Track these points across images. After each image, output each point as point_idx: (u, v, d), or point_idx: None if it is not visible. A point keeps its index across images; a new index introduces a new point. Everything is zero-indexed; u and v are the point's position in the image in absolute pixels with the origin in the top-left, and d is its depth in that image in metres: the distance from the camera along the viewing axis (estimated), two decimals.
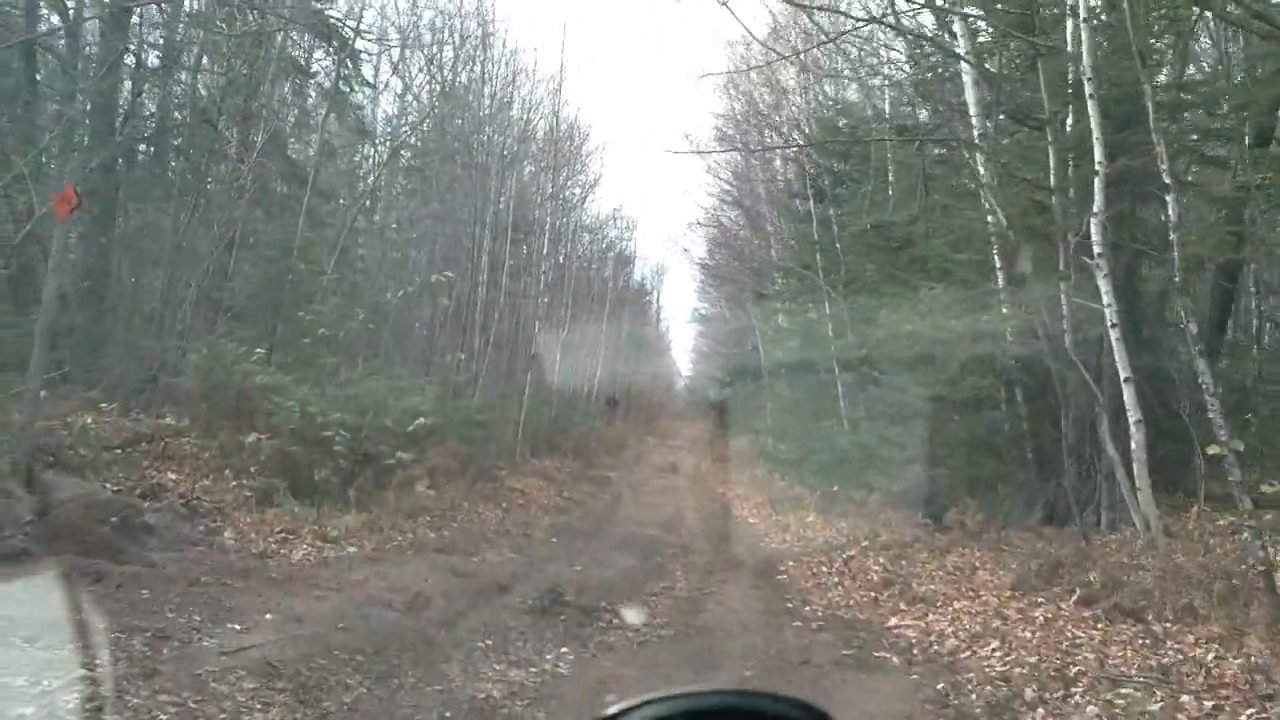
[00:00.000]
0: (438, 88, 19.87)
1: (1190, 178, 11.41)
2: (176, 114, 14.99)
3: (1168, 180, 7.12)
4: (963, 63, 12.29)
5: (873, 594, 8.44)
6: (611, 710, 1.33)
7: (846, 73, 18.07)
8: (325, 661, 5.29)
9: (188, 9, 14.89)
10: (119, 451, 9.42)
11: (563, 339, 24.35)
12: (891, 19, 13.03)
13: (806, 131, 19.29)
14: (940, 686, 5.52)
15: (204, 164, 13.95)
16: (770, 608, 8.26)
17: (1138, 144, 9.91)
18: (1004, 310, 11.29)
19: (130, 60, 14.16)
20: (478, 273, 18.76)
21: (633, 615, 7.48)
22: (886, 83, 17.05)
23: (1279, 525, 7.35)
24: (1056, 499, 10.36)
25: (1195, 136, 11.33)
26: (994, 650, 6.11)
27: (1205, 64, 13.53)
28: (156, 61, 14.90)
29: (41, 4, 13.75)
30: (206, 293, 12.73)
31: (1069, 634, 6.22)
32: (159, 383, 11.54)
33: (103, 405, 10.60)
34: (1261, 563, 6.09)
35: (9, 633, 4.61)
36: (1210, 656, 5.38)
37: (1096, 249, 8.69)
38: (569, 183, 26.15)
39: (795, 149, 19.77)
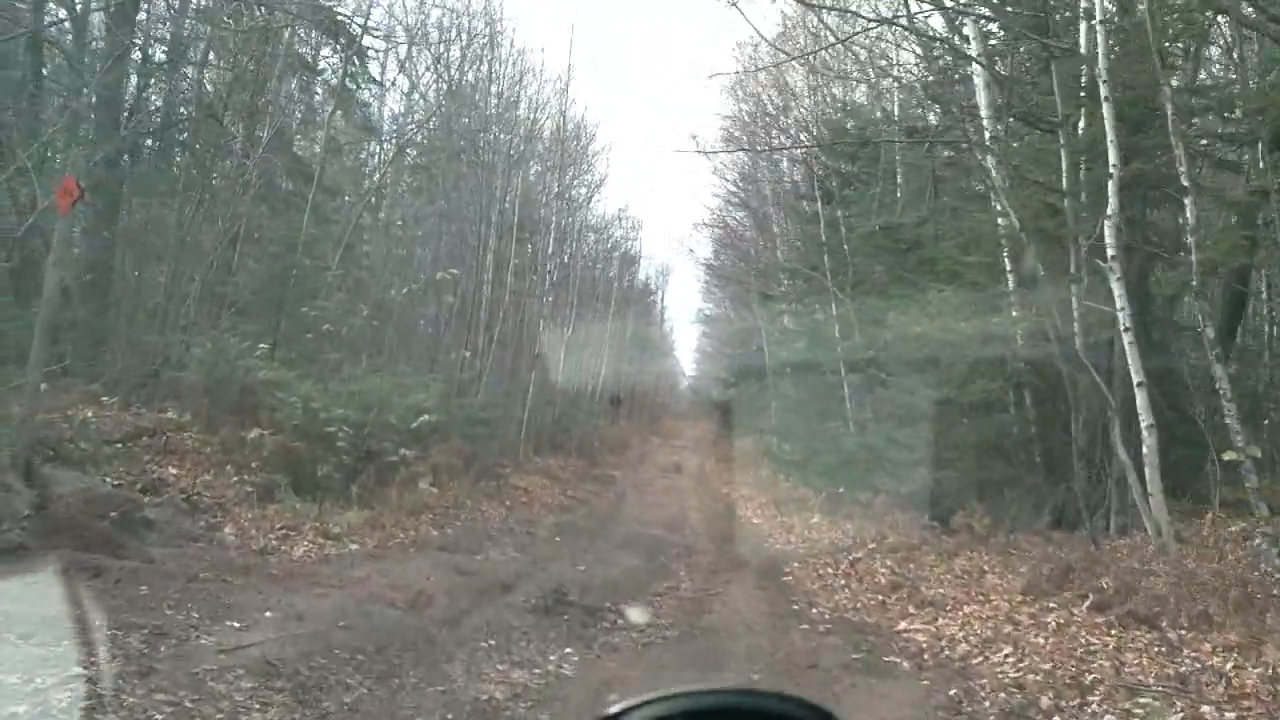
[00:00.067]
0: (444, 86, 19.84)
1: (1202, 182, 11.33)
2: (182, 109, 14.99)
3: (1186, 183, 7.05)
4: (974, 65, 12.23)
5: (880, 597, 8.33)
6: (612, 709, 1.33)
7: (856, 74, 18.01)
8: (325, 660, 5.21)
9: (194, 4, 14.87)
10: (119, 446, 9.33)
11: (567, 338, 24.28)
12: (903, 20, 12.96)
13: (815, 133, 19.20)
14: (953, 692, 5.40)
15: (209, 159, 13.94)
16: (776, 609, 8.15)
17: (1151, 147, 9.87)
18: (1014, 313, 11.24)
19: (136, 55, 14.16)
20: (483, 271, 18.72)
21: (637, 615, 7.42)
22: (896, 84, 16.98)
23: None
24: (1065, 503, 10.30)
25: (1205, 141, 11.26)
26: (1006, 656, 6.00)
27: (1215, 68, 13.48)
28: (162, 56, 14.91)
29: None
30: (210, 287, 12.69)
31: (1082, 640, 6.10)
32: (161, 377, 11.49)
33: (104, 399, 10.52)
34: (1277, 570, 5.99)
35: (4, 629, 4.54)
36: (1229, 666, 5.26)
37: (1110, 252, 8.63)
38: (575, 182, 26.15)
39: (803, 150, 19.70)
